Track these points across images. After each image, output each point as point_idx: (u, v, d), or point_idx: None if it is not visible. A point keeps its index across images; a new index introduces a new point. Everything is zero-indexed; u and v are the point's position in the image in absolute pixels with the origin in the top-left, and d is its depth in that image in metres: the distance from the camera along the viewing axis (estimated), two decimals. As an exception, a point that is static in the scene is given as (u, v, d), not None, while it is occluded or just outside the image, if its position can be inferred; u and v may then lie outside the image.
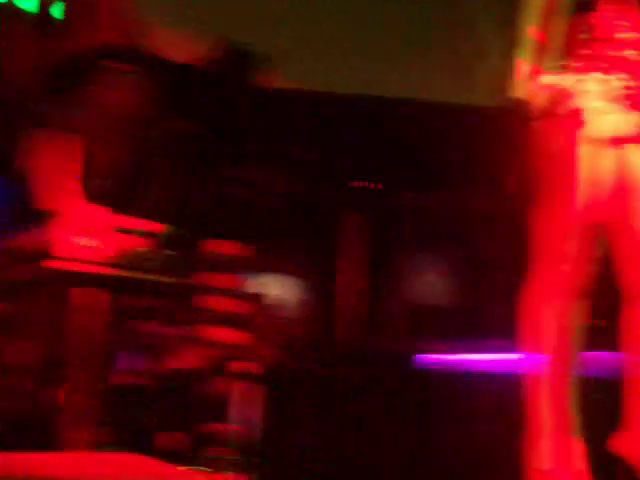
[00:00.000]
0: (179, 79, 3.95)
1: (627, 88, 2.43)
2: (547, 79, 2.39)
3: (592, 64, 2.41)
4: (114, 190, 3.07)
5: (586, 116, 2.33)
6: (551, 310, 2.40)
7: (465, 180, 4.32)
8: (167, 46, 4.13)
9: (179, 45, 4.37)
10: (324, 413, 3.60)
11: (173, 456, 3.45)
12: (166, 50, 4.07)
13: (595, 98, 2.37)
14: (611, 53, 2.44)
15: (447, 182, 4.85)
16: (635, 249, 2.43)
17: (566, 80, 2.37)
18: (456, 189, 4.80)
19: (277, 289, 5.05)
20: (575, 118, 2.32)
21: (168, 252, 3.07)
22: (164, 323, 3.48)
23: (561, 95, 2.34)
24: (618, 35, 2.46)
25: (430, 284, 5.50)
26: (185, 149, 3.39)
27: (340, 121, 4.71)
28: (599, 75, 2.41)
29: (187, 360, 3.53)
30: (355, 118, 4.70)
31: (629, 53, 2.45)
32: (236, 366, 3.59)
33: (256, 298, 3.79)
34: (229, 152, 4.08)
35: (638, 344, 2.47)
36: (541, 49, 2.42)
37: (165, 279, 3.14)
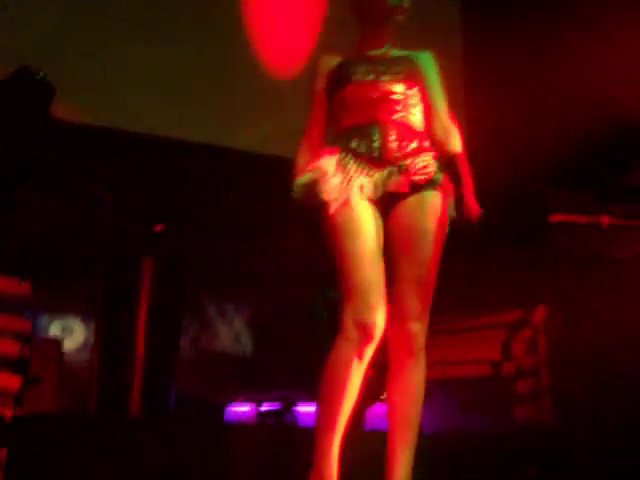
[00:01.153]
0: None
1: (379, 148, 2.57)
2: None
3: (349, 133, 2.56)
4: None
5: (351, 182, 2.48)
6: (348, 362, 2.43)
7: (268, 227, 4.34)
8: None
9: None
10: (116, 464, 3.42)
11: None
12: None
13: (357, 163, 2.52)
14: (369, 117, 2.59)
15: (249, 229, 4.87)
16: (393, 305, 2.52)
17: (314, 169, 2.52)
18: (257, 236, 4.83)
19: (66, 332, 4.85)
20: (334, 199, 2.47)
21: None
22: None
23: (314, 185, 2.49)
24: (380, 99, 2.62)
25: (234, 333, 5.47)
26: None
27: (140, 162, 4.63)
28: (356, 142, 2.55)
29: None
30: (155, 160, 4.62)
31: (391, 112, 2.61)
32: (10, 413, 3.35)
33: (40, 341, 3.58)
34: (15, 181, 3.88)
35: (398, 396, 2.55)
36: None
37: None
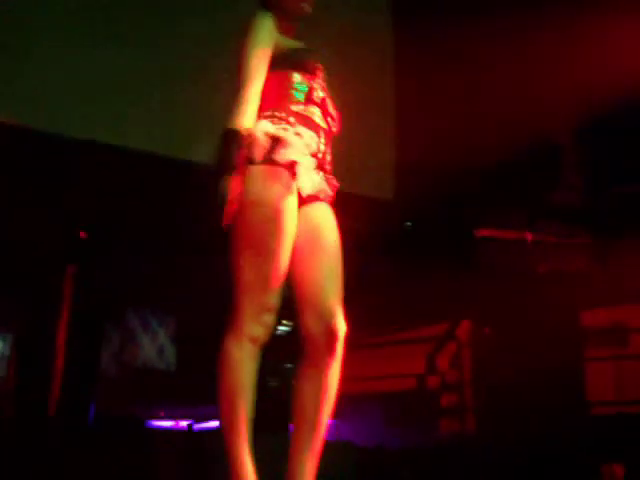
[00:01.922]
0: None
1: (321, 152, 2.55)
2: (263, 127, 2.48)
3: (302, 122, 2.55)
4: None
5: (295, 169, 2.46)
6: (243, 362, 2.40)
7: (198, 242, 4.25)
8: None
9: None
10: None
11: None
12: None
13: (302, 154, 2.51)
14: (317, 117, 2.56)
15: (177, 242, 4.77)
16: (311, 304, 2.48)
17: (280, 131, 2.49)
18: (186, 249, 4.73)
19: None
20: (285, 169, 2.44)
21: None
22: None
23: (274, 144, 2.45)
24: (324, 103, 2.61)
25: (157, 346, 5.36)
26: None
27: (69, 167, 4.48)
28: (308, 133, 2.54)
29: None
30: (85, 166, 4.47)
31: (327, 121, 2.60)
32: None
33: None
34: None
35: (313, 395, 2.45)
36: (253, 100, 2.53)
37: None
